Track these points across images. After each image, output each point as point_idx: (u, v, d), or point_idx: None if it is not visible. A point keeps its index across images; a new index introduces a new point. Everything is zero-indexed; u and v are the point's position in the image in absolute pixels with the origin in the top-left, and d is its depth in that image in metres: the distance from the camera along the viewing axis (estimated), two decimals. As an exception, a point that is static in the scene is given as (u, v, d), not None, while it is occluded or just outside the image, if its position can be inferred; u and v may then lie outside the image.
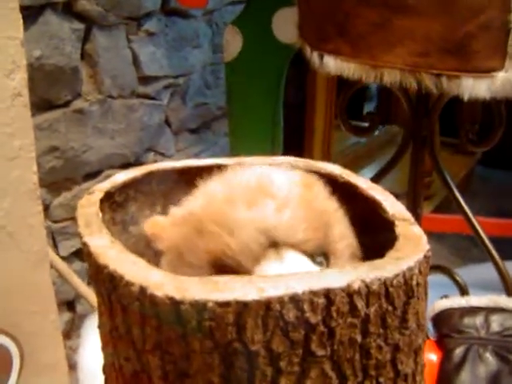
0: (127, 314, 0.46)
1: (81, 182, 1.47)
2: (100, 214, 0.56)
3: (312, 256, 0.53)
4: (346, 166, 0.66)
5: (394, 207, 0.58)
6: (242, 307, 0.41)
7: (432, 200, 2.23)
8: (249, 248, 0.51)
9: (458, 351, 0.83)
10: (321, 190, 0.59)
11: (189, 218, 0.56)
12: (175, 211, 0.60)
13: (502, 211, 2.37)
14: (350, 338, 0.44)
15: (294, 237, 0.52)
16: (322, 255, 0.55)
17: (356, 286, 0.43)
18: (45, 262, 0.99)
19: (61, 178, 1.42)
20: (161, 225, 0.60)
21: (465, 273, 1.49)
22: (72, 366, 1.29)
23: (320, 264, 0.54)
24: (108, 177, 0.65)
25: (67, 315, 1.53)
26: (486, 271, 1.53)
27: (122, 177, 0.65)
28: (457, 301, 0.91)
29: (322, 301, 0.42)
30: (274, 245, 0.52)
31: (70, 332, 1.53)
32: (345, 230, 0.59)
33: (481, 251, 1.30)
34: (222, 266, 0.52)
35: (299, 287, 0.42)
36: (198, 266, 0.53)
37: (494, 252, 1.26)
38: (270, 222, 0.52)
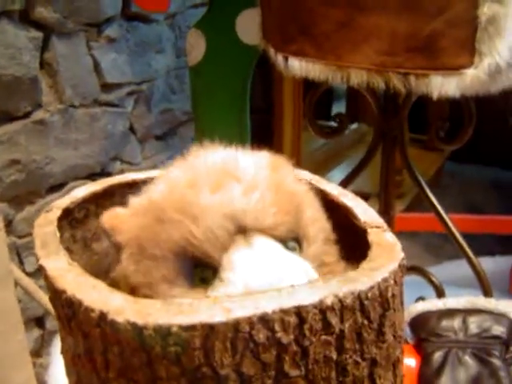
0: (88, 341, 0.44)
1: (44, 195, 1.43)
2: (58, 234, 0.54)
3: (284, 241, 0.50)
4: (316, 166, 0.65)
5: (365, 214, 0.56)
6: (209, 330, 0.39)
7: (403, 199, 2.24)
8: (215, 235, 0.48)
9: (437, 355, 0.82)
10: (289, 172, 0.56)
11: (149, 207, 0.52)
12: (134, 201, 0.56)
13: (472, 206, 2.39)
14: (325, 355, 0.42)
15: (264, 221, 0.49)
16: (294, 240, 0.52)
17: (329, 301, 0.41)
18: (9, 280, 0.96)
19: (23, 191, 1.38)
20: (119, 216, 0.56)
21: (439, 270, 1.49)
22: (42, 385, 1.26)
23: (293, 249, 0.51)
24: (73, 188, 0.62)
25: (36, 332, 1.49)
26: (460, 268, 1.53)
27: (81, 192, 0.63)
28: (434, 303, 0.90)
29: (293, 319, 0.40)
30: (242, 231, 0.48)
31: (40, 349, 1.49)
32: (317, 213, 0.56)
33: (454, 248, 1.30)
34: (188, 257, 0.49)
35: (269, 306, 0.40)
36: (161, 257, 0.50)
37: (467, 249, 1.26)
38: (237, 207, 0.48)
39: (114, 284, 0.53)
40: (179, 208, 0.49)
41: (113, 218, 0.56)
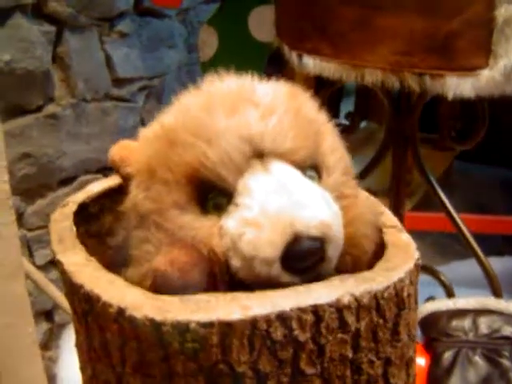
0: (105, 335, 0.44)
1: (56, 188, 1.43)
2: (74, 229, 0.54)
3: (302, 168, 0.48)
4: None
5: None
6: (227, 327, 0.40)
7: (412, 198, 2.23)
8: (230, 158, 0.45)
9: (447, 355, 0.82)
10: (308, 100, 0.53)
11: (161, 133, 0.50)
12: (145, 131, 0.53)
13: (482, 205, 2.38)
14: (341, 354, 0.43)
15: (282, 145, 0.46)
16: (312, 169, 0.49)
17: (345, 300, 0.42)
18: (19, 273, 0.96)
19: (35, 185, 1.38)
20: (129, 146, 0.54)
21: (447, 270, 1.48)
22: (51, 378, 1.27)
23: (311, 178, 0.48)
24: (84, 182, 0.62)
25: (45, 325, 1.50)
26: (468, 268, 1.53)
27: (96, 187, 0.63)
28: (444, 303, 0.90)
29: (310, 317, 0.41)
30: (259, 155, 0.46)
31: (49, 342, 1.50)
32: (336, 142, 0.53)
33: (463, 247, 1.30)
34: (201, 181, 0.46)
35: (286, 304, 0.40)
36: (173, 182, 0.47)
37: (477, 248, 1.26)
38: (255, 130, 0.46)
39: (122, 214, 0.52)
40: (193, 131, 0.47)
41: (122, 149, 0.54)
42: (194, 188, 0.47)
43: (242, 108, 0.47)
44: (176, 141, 0.48)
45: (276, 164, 0.46)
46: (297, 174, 0.47)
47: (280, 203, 0.43)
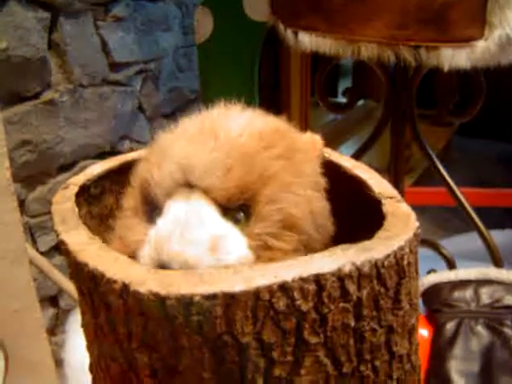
0: (111, 312, 0.45)
1: (56, 174, 1.44)
2: (76, 209, 0.54)
3: (226, 208, 0.49)
4: (324, 143, 0.64)
5: (379, 185, 0.56)
6: (230, 299, 0.40)
7: (412, 174, 2.24)
8: (165, 182, 0.50)
9: (450, 326, 0.83)
10: (276, 146, 0.52)
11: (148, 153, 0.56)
12: None
13: (481, 180, 2.39)
14: (343, 323, 0.43)
15: (205, 181, 0.49)
16: (243, 212, 0.50)
17: (347, 269, 0.42)
18: (23, 259, 0.97)
19: (35, 171, 1.39)
20: None
21: (448, 244, 1.49)
22: (59, 363, 1.28)
23: (235, 220, 0.49)
24: (83, 168, 0.63)
25: (51, 311, 1.51)
26: (468, 242, 1.53)
27: (96, 168, 0.63)
28: (445, 275, 0.91)
29: (312, 287, 0.41)
30: (189, 185, 0.49)
31: (55, 328, 1.51)
32: (283, 195, 0.51)
33: (462, 221, 1.31)
34: (147, 195, 0.52)
35: (288, 275, 0.41)
36: (135, 188, 0.54)
37: (479, 222, 1.26)
38: (191, 161, 0.49)
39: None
40: (157, 150, 0.53)
41: None
42: (143, 199, 0.53)
43: (201, 139, 0.51)
44: (148, 155, 0.54)
45: (196, 196, 0.49)
46: (209, 210, 0.48)
47: (169, 231, 0.47)
